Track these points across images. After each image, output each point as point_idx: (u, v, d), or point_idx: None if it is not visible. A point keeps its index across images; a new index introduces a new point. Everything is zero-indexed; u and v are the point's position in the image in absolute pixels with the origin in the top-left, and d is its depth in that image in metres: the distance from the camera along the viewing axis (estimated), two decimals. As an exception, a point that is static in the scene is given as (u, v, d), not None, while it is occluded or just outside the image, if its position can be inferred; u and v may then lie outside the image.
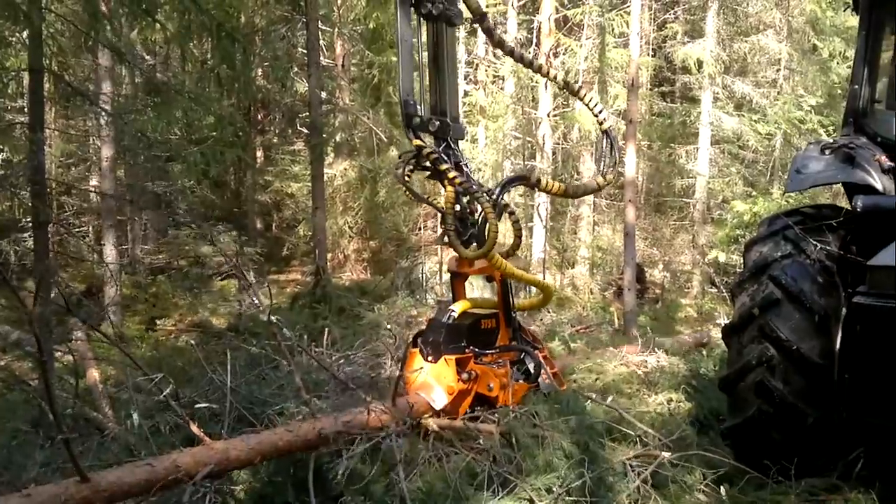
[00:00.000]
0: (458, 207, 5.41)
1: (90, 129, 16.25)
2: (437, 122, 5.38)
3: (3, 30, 9.30)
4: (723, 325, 5.73)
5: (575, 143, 19.52)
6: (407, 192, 5.84)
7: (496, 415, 5.15)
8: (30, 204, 10.24)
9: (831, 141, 5.33)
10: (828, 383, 4.62)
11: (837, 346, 4.64)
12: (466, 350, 5.41)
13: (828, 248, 4.81)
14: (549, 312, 14.88)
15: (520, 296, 11.74)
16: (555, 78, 6.30)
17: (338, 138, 18.62)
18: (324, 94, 17.05)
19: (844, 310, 4.67)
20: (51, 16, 9.91)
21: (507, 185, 5.66)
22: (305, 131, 18.78)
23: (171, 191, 15.30)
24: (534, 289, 9.85)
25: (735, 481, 4.71)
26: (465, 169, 5.54)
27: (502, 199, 5.41)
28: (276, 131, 22.36)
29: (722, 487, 4.66)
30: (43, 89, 9.42)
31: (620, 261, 16.91)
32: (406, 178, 5.49)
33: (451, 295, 5.96)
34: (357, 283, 16.31)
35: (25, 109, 12.40)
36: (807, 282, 4.69)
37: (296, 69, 18.96)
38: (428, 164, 5.37)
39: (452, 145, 5.51)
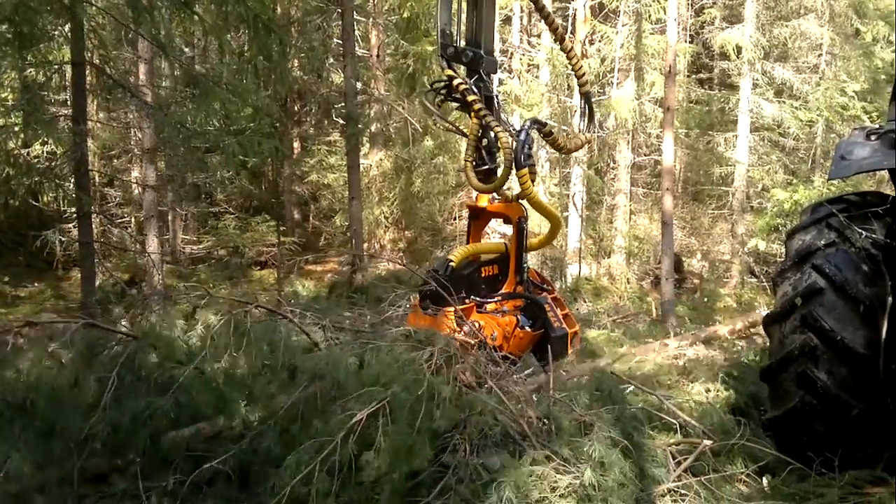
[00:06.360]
0: (484, 142, 5.43)
1: (131, 121, 16.51)
2: (471, 54, 5.45)
3: (47, 24, 9.48)
4: (764, 315, 5.64)
5: (611, 130, 19.33)
6: (434, 119, 5.93)
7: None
8: (74, 195, 10.48)
9: (877, 126, 5.16)
10: (873, 374, 4.53)
11: (883, 336, 4.55)
12: (467, 301, 5.27)
13: (873, 236, 4.68)
14: (585, 302, 14.83)
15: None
16: (552, 23, 6.32)
17: (373, 128, 18.70)
18: (359, 85, 17.11)
19: (891, 299, 4.58)
20: (92, 9, 10.09)
21: (531, 126, 5.53)
22: (341, 122, 18.88)
23: (210, 181, 15.47)
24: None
25: (777, 472, 4.64)
26: (495, 102, 5.58)
27: (529, 144, 5.28)
28: (313, 122, 22.47)
29: (764, 478, 4.61)
30: (85, 82, 9.62)
31: (657, 250, 16.77)
32: (437, 106, 5.61)
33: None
34: (393, 273, 16.39)
35: (68, 102, 12.67)
36: (851, 271, 4.59)
37: (331, 60, 19.07)
38: (458, 95, 5.40)
39: (485, 78, 5.55)
